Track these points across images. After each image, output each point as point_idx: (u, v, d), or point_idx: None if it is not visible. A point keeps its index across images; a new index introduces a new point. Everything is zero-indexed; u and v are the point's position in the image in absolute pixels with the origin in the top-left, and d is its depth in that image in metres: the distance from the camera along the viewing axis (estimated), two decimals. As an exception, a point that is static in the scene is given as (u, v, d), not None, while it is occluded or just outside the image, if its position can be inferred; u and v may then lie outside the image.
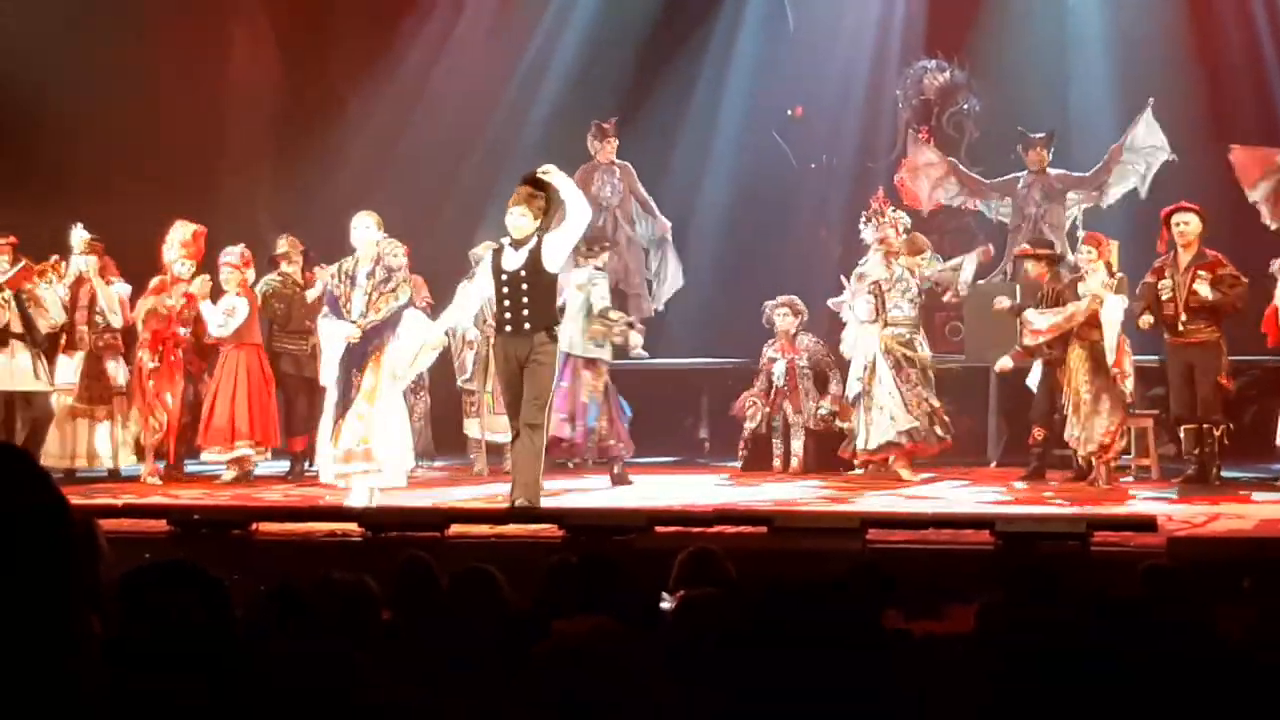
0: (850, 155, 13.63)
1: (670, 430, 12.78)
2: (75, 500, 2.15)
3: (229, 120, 14.41)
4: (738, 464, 11.69)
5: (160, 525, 7.49)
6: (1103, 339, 9.90)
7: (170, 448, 10.96)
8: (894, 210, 10.92)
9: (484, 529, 7.55)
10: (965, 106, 13.34)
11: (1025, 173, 12.54)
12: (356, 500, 8.87)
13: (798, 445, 11.36)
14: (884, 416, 10.53)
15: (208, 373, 11.26)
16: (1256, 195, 11.66)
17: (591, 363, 10.75)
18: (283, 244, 11.57)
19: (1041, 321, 10.15)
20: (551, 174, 8.71)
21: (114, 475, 11.07)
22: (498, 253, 8.84)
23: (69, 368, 11.01)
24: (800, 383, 11.41)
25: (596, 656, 2.80)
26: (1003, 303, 10.96)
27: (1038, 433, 10.81)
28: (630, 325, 10.89)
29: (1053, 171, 12.49)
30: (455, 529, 7.33)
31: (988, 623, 3.88)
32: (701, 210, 13.11)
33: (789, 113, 14.01)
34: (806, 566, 5.93)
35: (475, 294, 9.17)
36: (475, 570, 4.39)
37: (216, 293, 11.06)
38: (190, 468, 11.37)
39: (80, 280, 11.02)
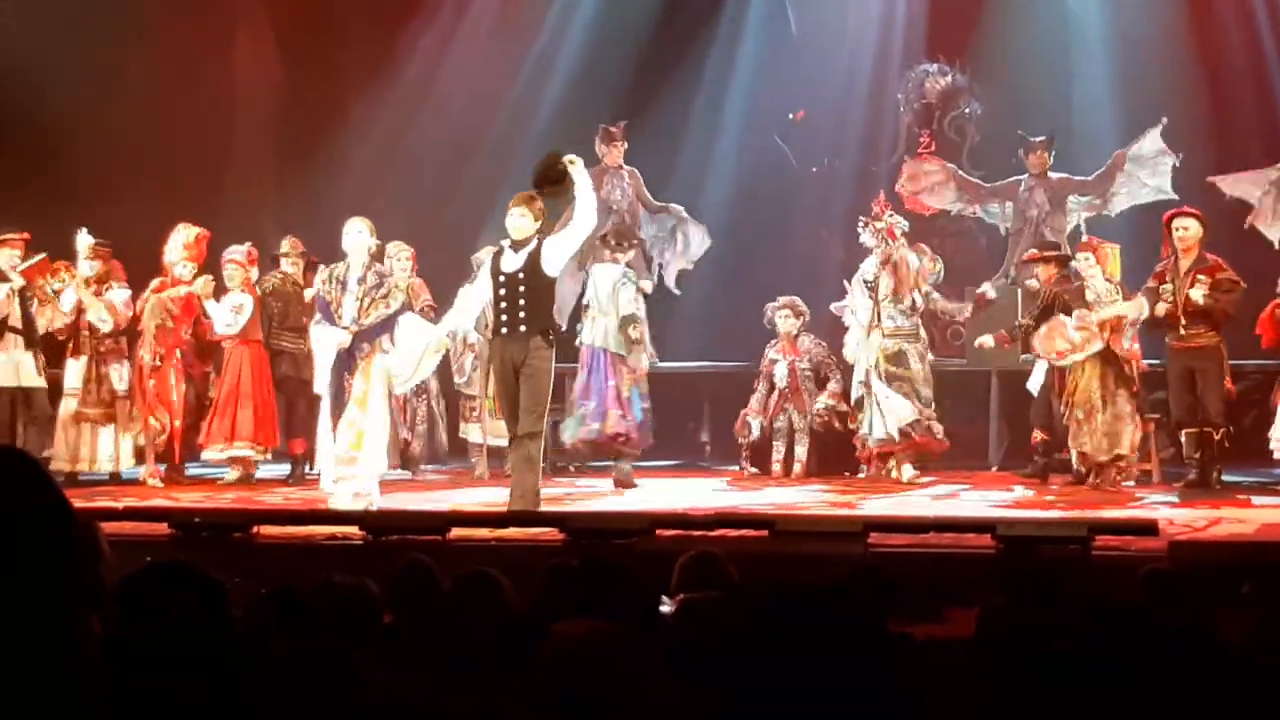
0: (852, 158, 13.63)
1: (672, 433, 12.77)
2: (76, 503, 2.15)
3: (232, 123, 14.41)
4: (738, 468, 11.69)
5: (161, 528, 7.49)
6: (1116, 345, 9.93)
7: (174, 449, 10.97)
8: (890, 215, 10.91)
9: (485, 532, 7.55)
10: (967, 110, 13.33)
11: (1026, 176, 12.54)
12: (340, 505, 8.84)
13: (801, 451, 11.34)
14: (888, 409, 10.56)
15: (213, 370, 11.27)
16: (1253, 199, 11.66)
17: (624, 358, 10.78)
18: (285, 244, 11.59)
19: (1076, 336, 10.05)
20: (576, 167, 8.68)
21: (115, 478, 11.07)
22: (497, 254, 8.85)
23: (75, 372, 11.01)
24: (803, 384, 11.40)
25: (595, 658, 2.80)
26: (989, 293, 11.00)
27: (1039, 435, 10.82)
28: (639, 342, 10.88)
29: (1054, 175, 12.48)
30: (456, 532, 7.33)
31: (989, 626, 3.88)
32: (703, 212, 13.10)
33: (790, 116, 14.01)
34: (808, 570, 5.92)
35: (476, 297, 9.17)
36: (478, 573, 4.39)
37: (219, 292, 11.07)
38: (192, 470, 11.38)
39: (84, 285, 11.01)
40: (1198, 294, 9.95)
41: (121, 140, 12.71)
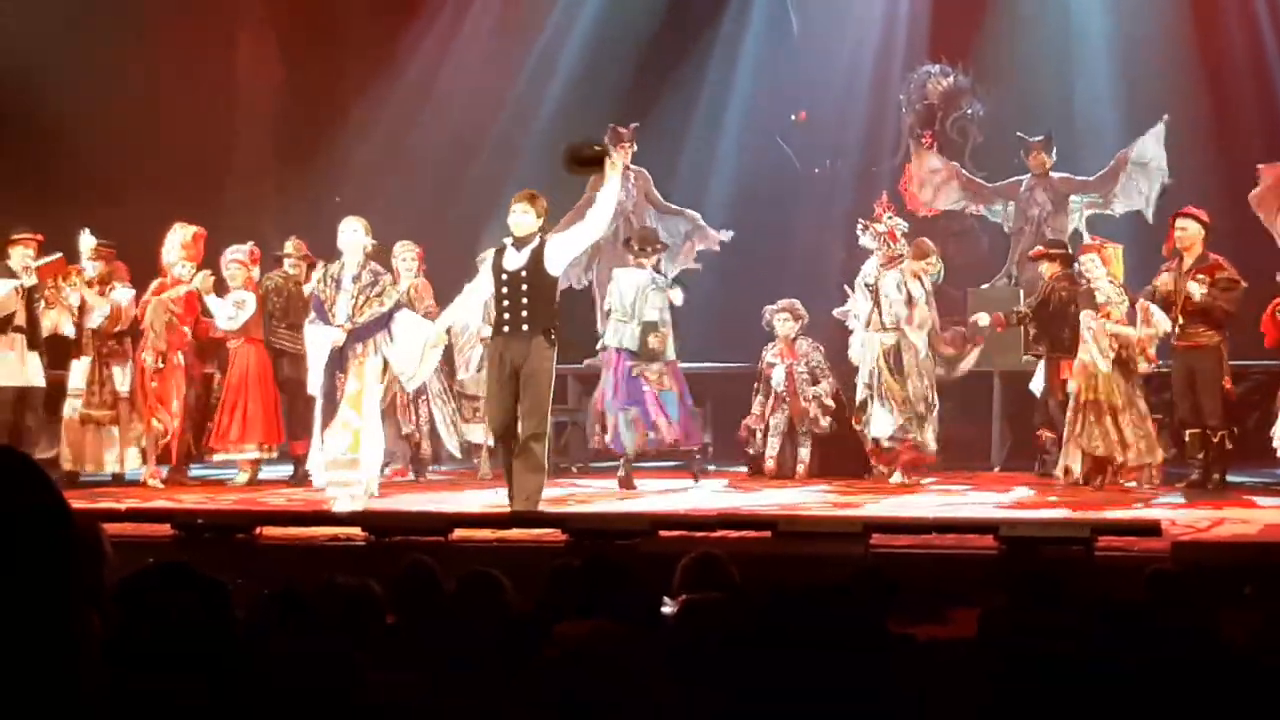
0: (854, 159, 13.63)
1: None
2: (79, 504, 2.15)
3: (233, 123, 14.41)
4: (743, 469, 11.69)
5: (164, 529, 7.49)
6: (1126, 347, 9.92)
7: (173, 451, 10.98)
8: (890, 217, 10.90)
9: (487, 533, 7.54)
10: (969, 111, 13.33)
11: (1028, 176, 12.54)
12: (342, 509, 8.82)
13: (804, 452, 11.34)
14: (874, 421, 10.58)
15: (218, 370, 11.28)
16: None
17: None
18: (288, 245, 11.59)
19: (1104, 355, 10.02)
20: (614, 169, 8.61)
21: (118, 479, 11.07)
22: (499, 252, 8.81)
23: (79, 373, 11.00)
24: (800, 388, 11.38)
25: (597, 658, 2.79)
26: (982, 319, 11.01)
27: (1047, 434, 10.82)
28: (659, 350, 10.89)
29: (1055, 175, 12.48)
30: (459, 533, 7.33)
31: (991, 627, 3.87)
32: (706, 213, 13.09)
33: (793, 117, 14.01)
34: (810, 571, 5.91)
35: (476, 292, 9.11)
36: (480, 573, 4.39)
37: (220, 290, 11.07)
38: (197, 471, 11.39)
39: (87, 285, 11.01)
40: (1196, 289, 9.95)
41: (122, 140, 12.70)
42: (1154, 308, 9.99)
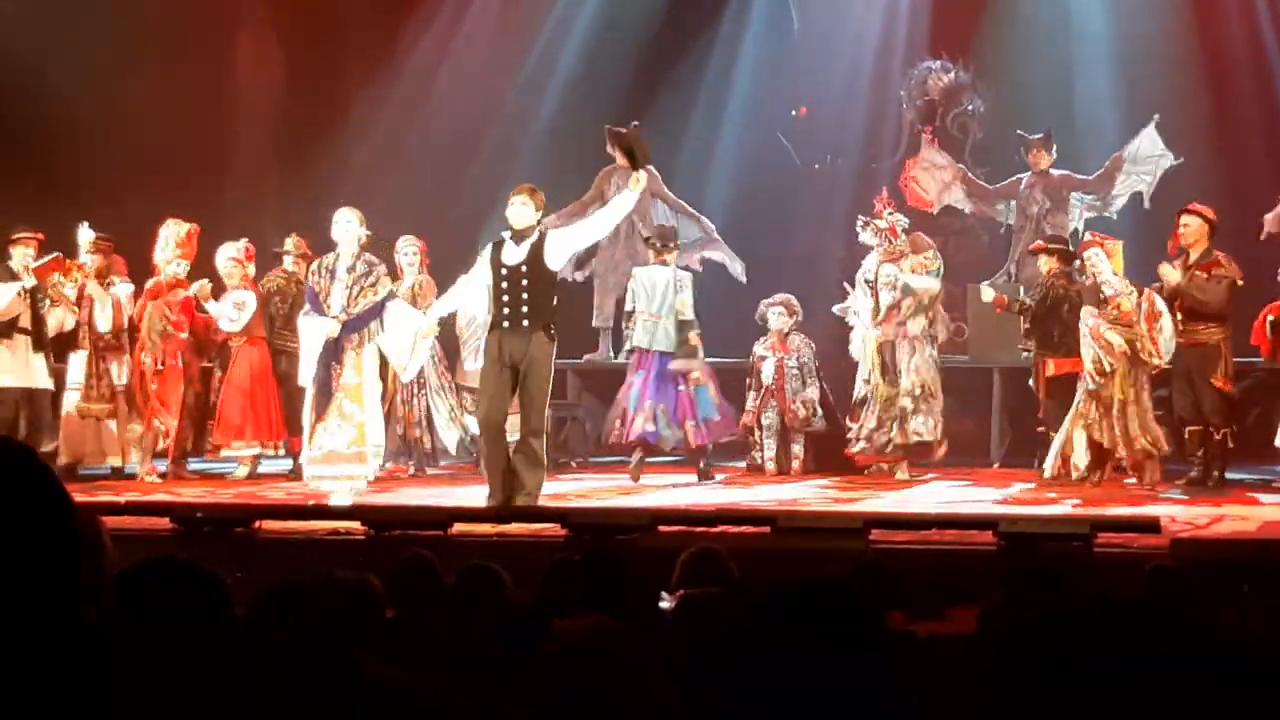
0: (854, 156, 13.62)
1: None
2: (78, 497, 2.15)
3: (233, 123, 14.40)
4: (742, 465, 11.69)
5: (163, 523, 7.49)
6: (1136, 339, 9.92)
7: (171, 451, 10.98)
8: (890, 213, 10.90)
9: (487, 528, 7.55)
10: (970, 107, 13.33)
11: (1028, 174, 12.55)
12: (339, 503, 8.81)
13: (798, 448, 11.33)
14: (886, 417, 10.58)
15: (218, 368, 11.28)
16: None
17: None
18: (289, 242, 11.58)
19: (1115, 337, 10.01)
20: (640, 181, 8.59)
21: (117, 473, 11.08)
22: (498, 245, 8.77)
23: (77, 367, 11.00)
24: (788, 383, 11.36)
25: (596, 655, 2.80)
26: (987, 293, 11.00)
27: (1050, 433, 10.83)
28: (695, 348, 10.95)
29: (1056, 172, 12.49)
30: (458, 528, 7.33)
31: (991, 624, 3.87)
32: (706, 210, 13.10)
33: (793, 113, 14.01)
34: (809, 567, 5.92)
35: (471, 283, 9.06)
36: (480, 568, 4.39)
37: (218, 292, 11.07)
38: (199, 466, 11.40)
39: (88, 277, 11.01)
40: (1172, 275, 9.95)
41: (122, 140, 12.70)
42: (1159, 298, 9.97)
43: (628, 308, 11.16)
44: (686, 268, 11.83)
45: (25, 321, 10.58)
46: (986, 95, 13.31)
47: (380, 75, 14.03)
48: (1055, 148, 12.45)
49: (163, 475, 10.90)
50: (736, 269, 12.80)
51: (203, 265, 11.18)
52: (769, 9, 13.94)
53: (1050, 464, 10.17)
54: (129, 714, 1.91)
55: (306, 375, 9.15)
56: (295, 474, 10.99)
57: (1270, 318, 10.13)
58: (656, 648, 3.20)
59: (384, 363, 9.88)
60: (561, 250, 8.70)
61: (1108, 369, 9.84)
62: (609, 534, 6.96)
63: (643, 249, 12.51)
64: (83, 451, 10.93)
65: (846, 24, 13.73)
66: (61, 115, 12.45)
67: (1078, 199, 12.52)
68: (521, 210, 8.63)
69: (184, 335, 10.99)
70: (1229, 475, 10.29)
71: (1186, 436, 10.31)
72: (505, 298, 8.62)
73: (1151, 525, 7.10)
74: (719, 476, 11.10)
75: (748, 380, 11.57)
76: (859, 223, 10.96)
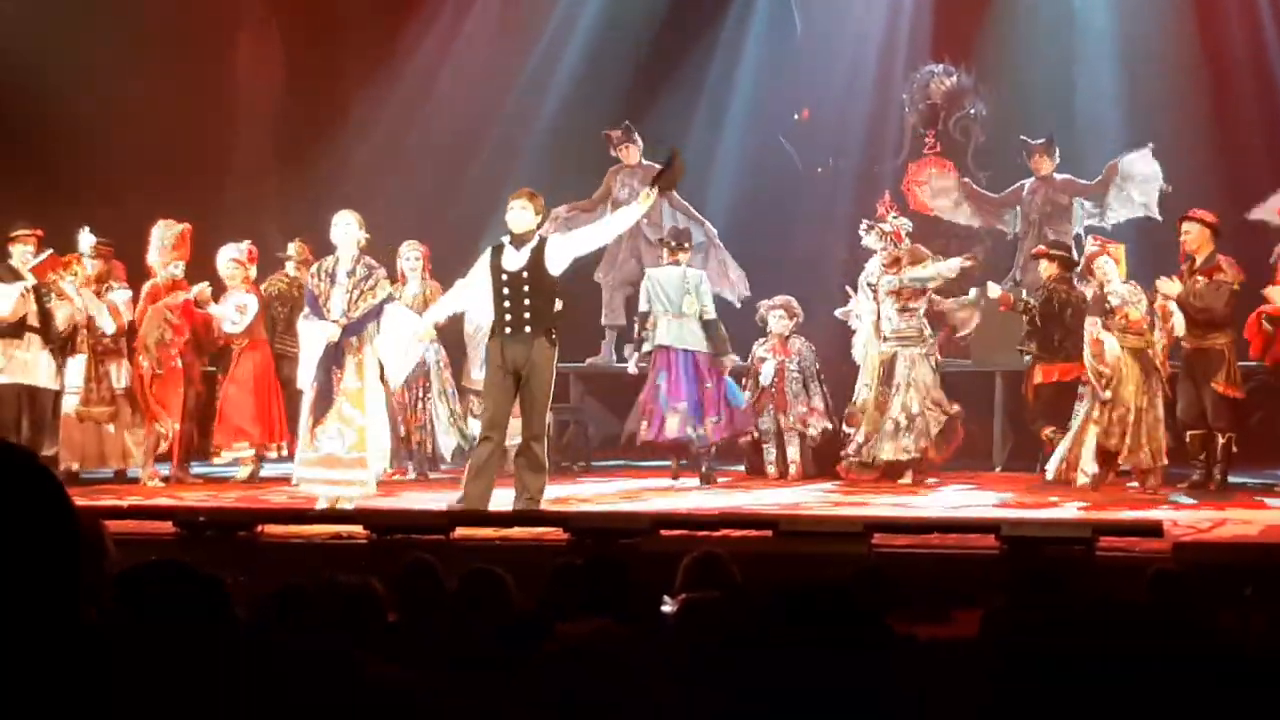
0: (856, 158, 13.62)
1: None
2: (80, 501, 2.15)
3: (233, 124, 14.40)
4: (740, 468, 11.69)
5: (166, 527, 7.48)
6: (1149, 347, 9.92)
7: (174, 452, 10.98)
8: (895, 217, 10.91)
9: (489, 532, 7.54)
10: (972, 111, 13.32)
11: (1030, 179, 12.55)
12: (322, 504, 8.78)
13: (794, 452, 11.30)
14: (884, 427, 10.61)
15: (220, 371, 11.28)
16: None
17: (713, 357, 10.95)
18: (292, 248, 11.57)
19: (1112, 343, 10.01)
20: (650, 197, 8.66)
21: (120, 477, 11.07)
22: (497, 250, 8.74)
23: (76, 370, 10.99)
24: (788, 386, 11.35)
25: (598, 657, 2.80)
26: (993, 290, 11.02)
27: (1054, 435, 10.82)
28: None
29: (1058, 177, 12.50)
30: (460, 532, 7.33)
31: (993, 627, 3.87)
32: (707, 213, 13.10)
33: (795, 116, 14.00)
34: (811, 571, 5.92)
35: (468, 289, 9.04)
36: (483, 571, 4.39)
37: (217, 294, 11.06)
38: (202, 469, 11.40)
39: (85, 283, 11.00)
40: (1169, 287, 9.96)
41: (122, 140, 12.70)
42: (1173, 306, 9.98)
43: (642, 309, 11.17)
44: None
45: (33, 320, 10.55)
46: (988, 99, 13.30)
47: (380, 75, 14.03)
48: (1058, 151, 12.45)
49: (165, 479, 10.90)
50: (731, 296, 12.77)
51: (204, 266, 11.18)
52: (771, 10, 13.94)
53: (1054, 466, 10.17)
54: (129, 714, 1.91)
55: (305, 379, 9.12)
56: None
57: (1264, 316, 10.13)
58: (658, 649, 3.20)
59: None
60: (563, 256, 8.67)
61: (1105, 373, 9.84)
62: (611, 538, 6.96)
63: (646, 247, 12.52)
64: (81, 456, 10.91)
65: (848, 25, 13.72)
66: (61, 115, 12.44)
67: (1079, 204, 12.52)
68: (521, 214, 8.61)
69: (184, 338, 10.99)
70: (1231, 479, 10.28)
71: (1188, 440, 10.31)
72: (507, 304, 8.59)
73: (1154, 529, 7.10)
74: (721, 480, 11.09)
75: (743, 381, 11.56)
76: (863, 226, 10.96)
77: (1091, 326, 10.02)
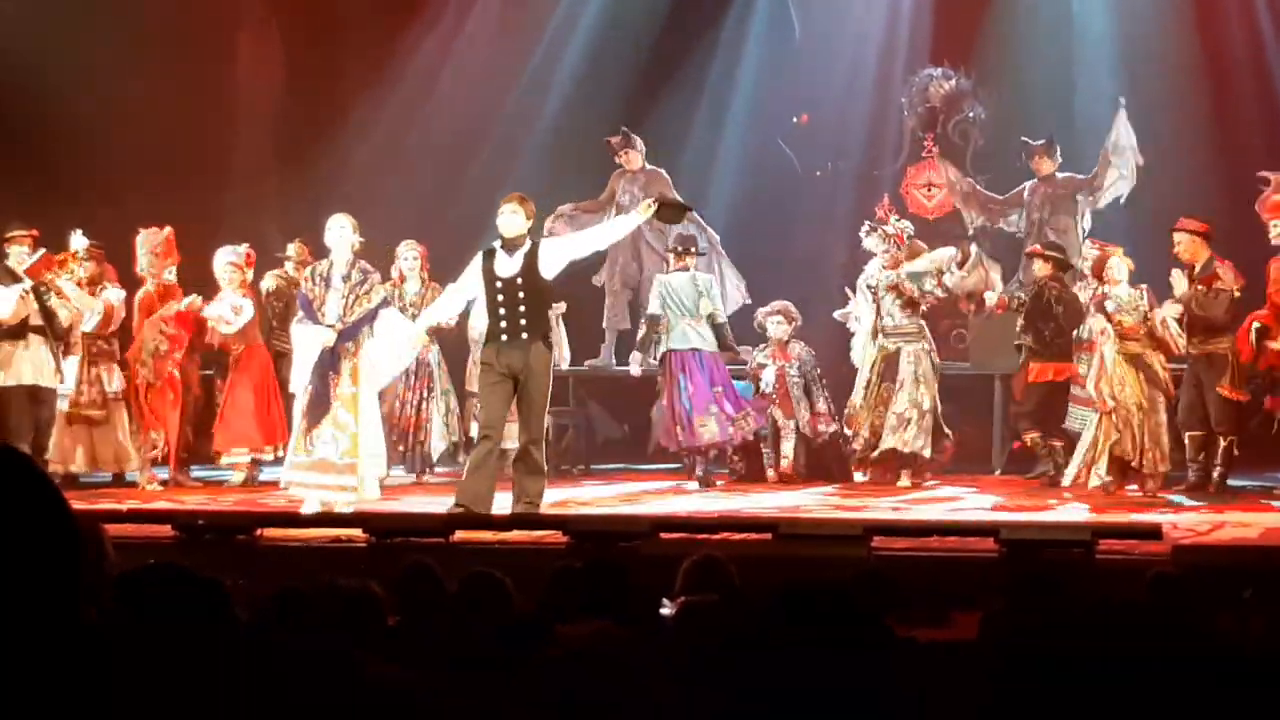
0: (855, 162, 13.61)
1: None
2: (79, 505, 2.15)
3: (233, 124, 14.40)
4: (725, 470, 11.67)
5: (165, 530, 7.48)
6: (1151, 349, 9.94)
7: (171, 457, 10.97)
8: (897, 220, 10.91)
9: (489, 535, 7.54)
10: (971, 114, 13.31)
11: (1032, 180, 12.56)
12: (309, 510, 8.74)
13: (788, 448, 11.28)
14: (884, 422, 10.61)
15: (217, 375, 11.26)
16: None
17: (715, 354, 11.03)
18: (291, 248, 11.56)
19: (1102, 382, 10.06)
20: (649, 209, 8.73)
21: (118, 480, 11.06)
22: (489, 255, 8.69)
23: (68, 372, 10.96)
24: (791, 390, 11.33)
25: (597, 659, 2.80)
26: (990, 298, 11.04)
27: (1036, 440, 10.83)
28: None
29: (1060, 175, 12.50)
30: (460, 535, 7.33)
31: (992, 629, 3.87)
32: (707, 216, 13.09)
33: (794, 119, 14.00)
34: (811, 574, 5.91)
35: (460, 294, 9.02)
36: (482, 574, 4.39)
37: (211, 295, 11.04)
38: (201, 473, 11.39)
39: (78, 284, 10.97)
40: (1180, 281, 9.95)
41: (122, 141, 12.70)
42: (1171, 320, 10.01)
43: (652, 313, 11.17)
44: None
45: (36, 319, 10.51)
46: (987, 102, 13.30)
47: (380, 75, 14.02)
48: (1058, 151, 12.45)
49: (164, 482, 10.89)
50: (729, 307, 12.76)
51: (202, 268, 11.17)
52: (770, 12, 13.93)
53: (1071, 473, 10.22)
54: (129, 713, 1.91)
55: (299, 383, 9.08)
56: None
57: (1255, 324, 10.12)
58: (657, 651, 3.20)
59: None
60: (557, 260, 8.63)
61: (1105, 392, 9.92)
62: (611, 541, 6.96)
63: (648, 251, 12.52)
64: (71, 458, 10.85)
65: (848, 26, 13.71)
66: (61, 115, 12.43)
67: (1081, 200, 12.52)
68: (511, 219, 8.58)
69: (181, 349, 10.97)
70: (1230, 482, 10.28)
71: (1187, 442, 10.32)
72: (501, 310, 8.54)
73: (1153, 532, 7.11)
74: (719, 483, 11.09)
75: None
76: (864, 228, 10.97)
77: (1099, 337, 10.10)
